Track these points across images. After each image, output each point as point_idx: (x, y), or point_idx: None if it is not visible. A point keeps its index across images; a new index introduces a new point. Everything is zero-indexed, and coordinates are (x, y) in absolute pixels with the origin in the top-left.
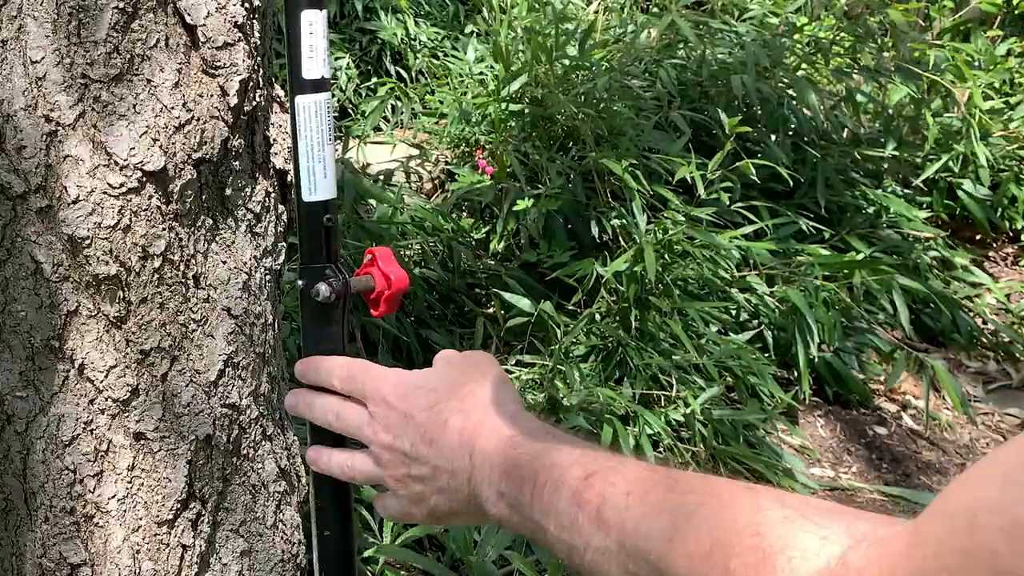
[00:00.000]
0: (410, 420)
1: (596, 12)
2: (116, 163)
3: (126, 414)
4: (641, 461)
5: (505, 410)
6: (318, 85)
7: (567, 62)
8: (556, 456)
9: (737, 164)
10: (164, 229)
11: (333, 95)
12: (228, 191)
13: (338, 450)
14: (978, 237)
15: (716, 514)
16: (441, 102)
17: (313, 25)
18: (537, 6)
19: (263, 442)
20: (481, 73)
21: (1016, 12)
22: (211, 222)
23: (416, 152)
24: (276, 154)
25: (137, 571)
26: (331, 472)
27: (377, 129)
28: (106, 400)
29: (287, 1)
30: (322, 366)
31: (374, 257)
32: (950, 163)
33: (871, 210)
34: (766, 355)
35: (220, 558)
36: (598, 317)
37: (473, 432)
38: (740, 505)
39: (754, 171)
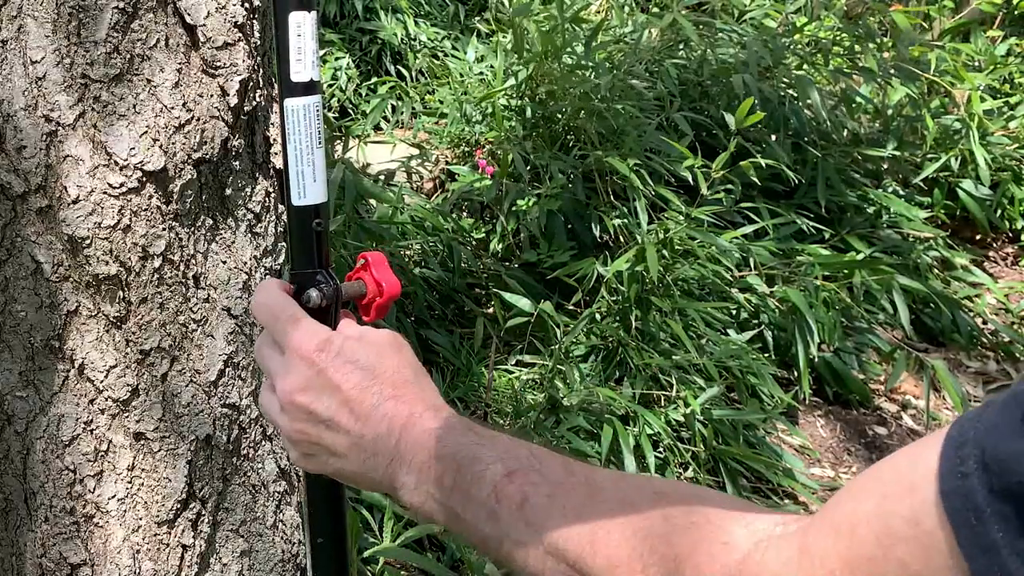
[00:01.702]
0: (337, 391)
1: (598, 12)
2: (116, 163)
3: (126, 414)
4: (560, 457)
5: (432, 403)
6: (307, 88)
7: (570, 60)
8: (478, 451)
9: (740, 163)
10: (164, 229)
11: (333, 95)
12: (228, 191)
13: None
14: (978, 237)
15: (632, 523)
16: (441, 102)
17: (301, 27)
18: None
19: (263, 442)
20: (481, 73)
21: (1016, 12)
22: (211, 222)
23: (416, 152)
24: (276, 154)
25: (137, 571)
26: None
27: (377, 129)
28: (106, 400)
29: (275, 3)
30: (260, 287)
31: (367, 262)
32: (950, 162)
33: (871, 210)
34: (766, 355)
35: (220, 558)
36: (598, 317)
37: (404, 423)
38: (652, 514)
39: (754, 171)
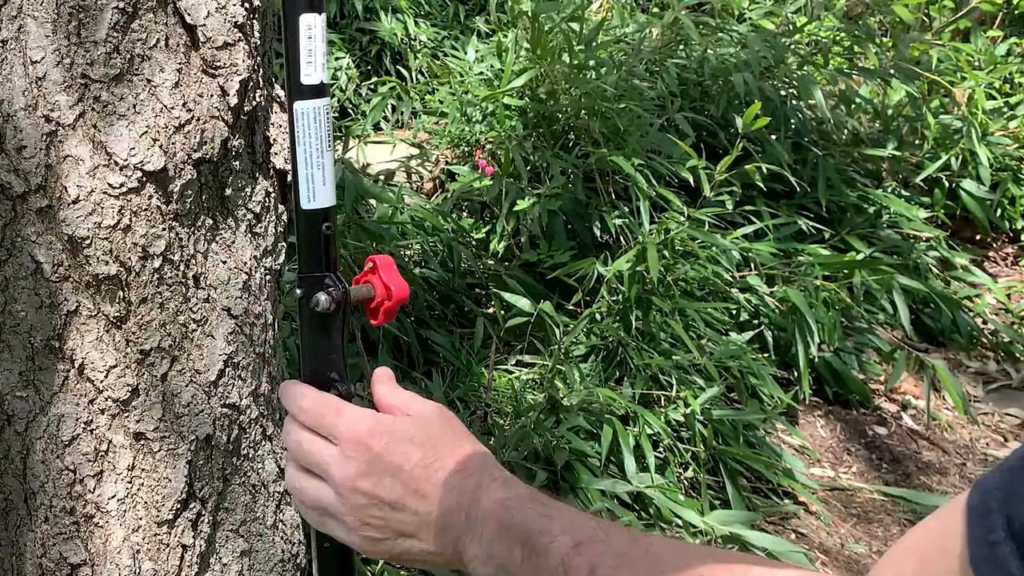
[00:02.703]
0: (399, 472)
1: (598, 12)
2: (116, 163)
3: (126, 414)
4: (625, 529)
5: (497, 473)
6: (317, 91)
7: (571, 60)
8: (547, 523)
9: (745, 167)
10: (164, 229)
11: (333, 95)
12: (228, 191)
13: (306, 475)
14: (978, 237)
15: None
16: (441, 101)
17: (312, 29)
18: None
19: (263, 442)
20: (481, 73)
21: (1016, 12)
22: (211, 222)
23: (416, 152)
24: (276, 154)
25: (137, 571)
26: (290, 487)
27: (377, 129)
28: (106, 400)
29: (285, 4)
30: (288, 394)
31: (376, 266)
32: (950, 162)
33: (871, 210)
34: (766, 355)
35: (220, 558)
36: (598, 317)
37: (472, 495)
38: None
39: (757, 172)
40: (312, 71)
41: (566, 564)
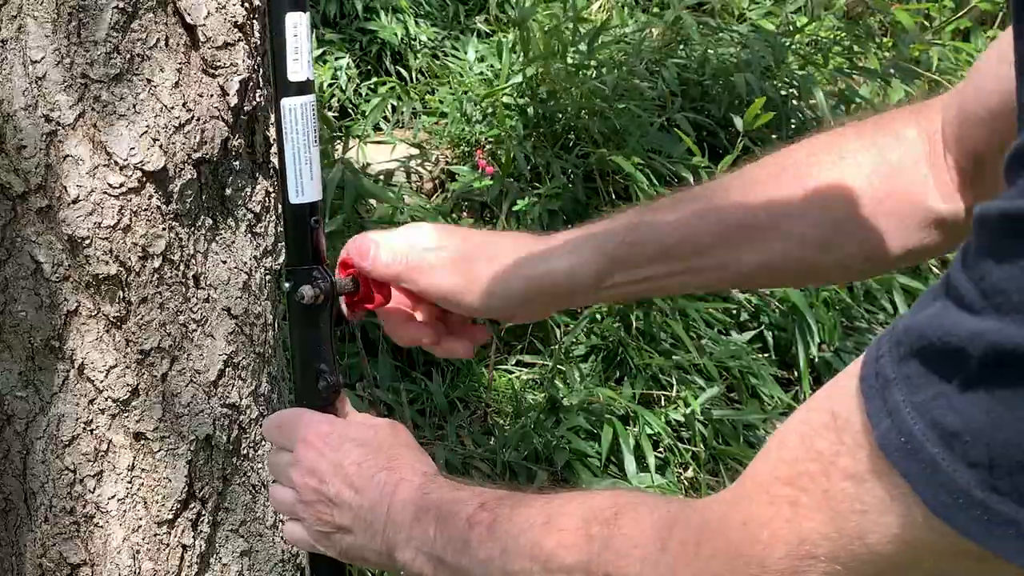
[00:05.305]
0: (339, 469)
1: (599, 12)
2: (116, 163)
3: (126, 414)
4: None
5: (421, 470)
6: (303, 87)
7: (572, 60)
8: (458, 494)
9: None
10: (164, 229)
11: (331, 95)
12: (228, 191)
13: (278, 486)
14: None
15: (582, 503)
16: (441, 102)
17: (297, 27)
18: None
19: (263, 442)
20: (481, 73)
21: None
22: (211, 222)
23: (416, 152)
24: (276, 154)
25: (137, 571)
26: (271, 502)
27: (377, 129)
28: (106, 400)
29: (270, 3)
30: (265, 422)
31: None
32: None
33: None
34: (766, 355)
35: (220, 558)
36: (598, 317)
37: (394, 488)
38: (603, 494)
39: None
40: (298, 68)
41: (471, 521)
